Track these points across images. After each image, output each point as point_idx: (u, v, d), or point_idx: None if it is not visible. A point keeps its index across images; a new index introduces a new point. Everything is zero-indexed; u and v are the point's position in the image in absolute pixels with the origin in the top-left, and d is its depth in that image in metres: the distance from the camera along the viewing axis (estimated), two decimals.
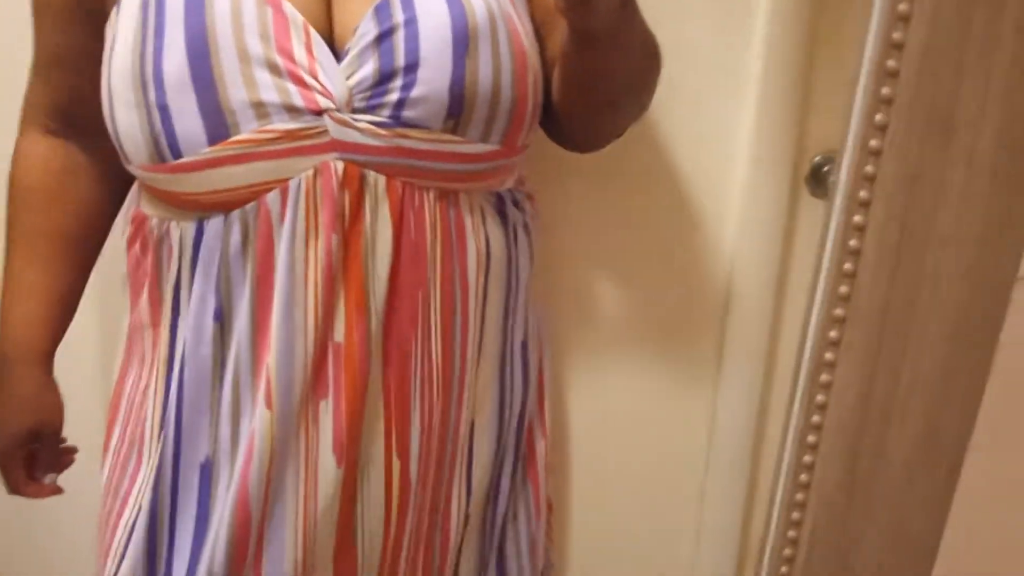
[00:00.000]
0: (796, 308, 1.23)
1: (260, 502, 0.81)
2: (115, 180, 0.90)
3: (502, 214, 0.91)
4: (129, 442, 0.88)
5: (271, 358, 0.79)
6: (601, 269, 1.24)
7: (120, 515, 0.86)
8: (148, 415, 0.86)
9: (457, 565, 1.01)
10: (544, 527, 1.14)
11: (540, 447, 1.07)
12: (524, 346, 0.99)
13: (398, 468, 0.87)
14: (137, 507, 0.84)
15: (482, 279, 0.88)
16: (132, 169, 0.80)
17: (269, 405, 0.80)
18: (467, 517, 0.99)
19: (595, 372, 1.28)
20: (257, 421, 0.80)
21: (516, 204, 0.94)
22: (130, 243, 0.87)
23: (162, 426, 0.84)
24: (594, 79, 0.79)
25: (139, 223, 0.85)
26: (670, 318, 1.26)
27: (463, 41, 0.76)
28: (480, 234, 0.87)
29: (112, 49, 0.77)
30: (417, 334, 0.84)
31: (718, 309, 1.24)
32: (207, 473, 0.83)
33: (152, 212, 0.84)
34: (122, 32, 0.76)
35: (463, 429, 0.93)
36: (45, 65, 0.89)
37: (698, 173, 1.18)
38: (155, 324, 0.85)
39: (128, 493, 0.86)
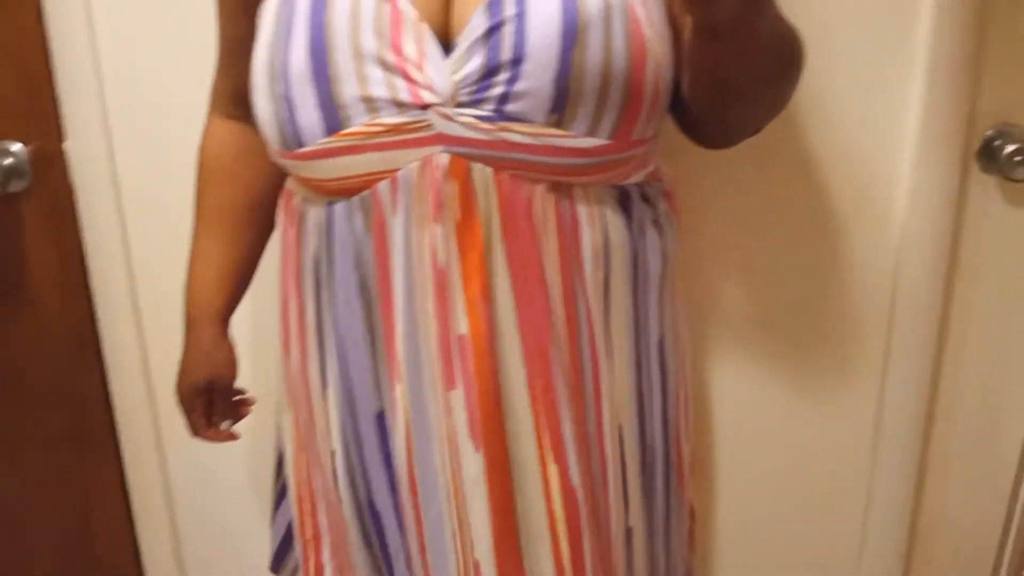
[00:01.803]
0: (967, 293, 1.15)
1: (405, 467, 0.85)
2: None
3: (626, 209, 0.87)
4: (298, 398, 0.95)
5: (399, 345, 0.83)
6: (756, 262, 1.18)
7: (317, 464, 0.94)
8: (309, 378, 0.91)
9: None
10: (687, 536, 1.09)
11: (685, 450, 1.01)
12: (661, 345, 0.93)
13: (557, 477, 0.85)
14: (330, 452, 0.91)
15: (600, 273, 0.86)
16: (271, 154, 0.85)
17: (401, 378, 0.84)
18: (629, 531, 0.94)
19: (749, 372, 1.23)
20: (397, 394, 0.84)
21: (646, 199, 0.89)
22: (280, 214, 0.94)
23: (324, 386, 0.89)
24: (721, 73, 0.76)
25: (287, 198, 0.92)
26: (832, 309, 1.19)
27: (571, 34, 0.75)
28: (596, 227, 0.84)
29: (257, 42, 0.82)
30: (549, 332, 0.84)
31: (885, 294, 1.17)
32: (383, 423, 0.87)
33: (295, 190, 0.90)
34: (263, 26, 0.82)
35: (608, 436, 0.89)
36: (223, 55, 0.97)
37: (863, 152, 1.12)
38: (299, 294, 0.91)
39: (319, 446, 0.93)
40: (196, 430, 1.03)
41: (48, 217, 1.23)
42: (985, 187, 1.13)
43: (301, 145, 0.80)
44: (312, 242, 0.87)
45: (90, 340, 1.28)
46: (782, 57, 0.79)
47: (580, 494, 0.86)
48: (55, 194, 1.22)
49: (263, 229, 1.02)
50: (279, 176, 0.97)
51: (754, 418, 1.25)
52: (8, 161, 1.18)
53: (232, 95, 0.96)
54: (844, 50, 1.07)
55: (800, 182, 1.14)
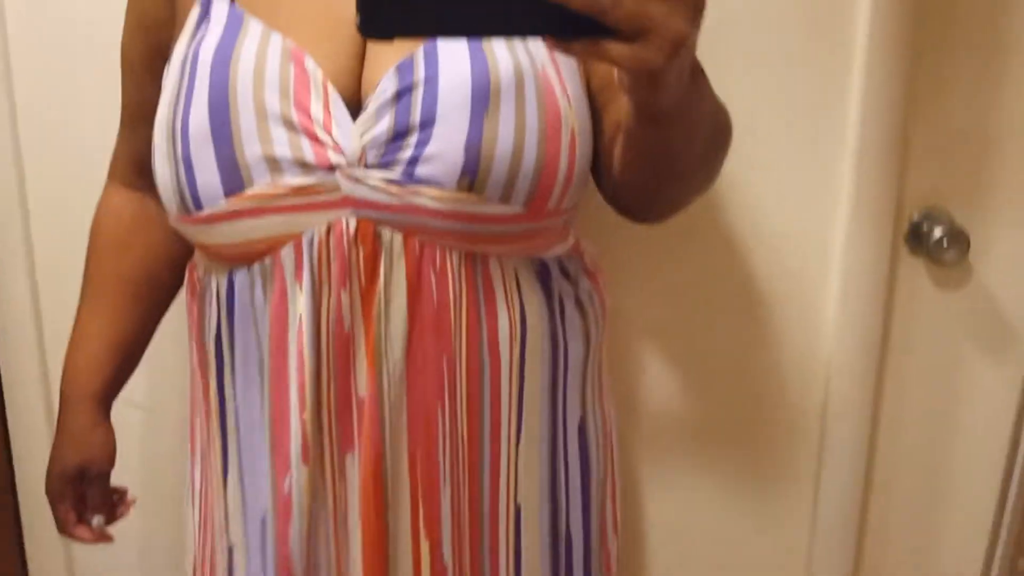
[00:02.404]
0: (899, 372, 1.16)
1: (302, 558, 0.82)
2: None
3: (544, 284, 0.85)
4: (204, 480, 0.91)
5: (307, 415, 0.79)
6: (686, 343, 1.17)
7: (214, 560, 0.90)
8: (212, 463, 0.88)
9: None
10: None
11: (612, 547, 0.98)
12: (582, 428, 0.91)
13: (427, 552, 0.83)
14: (227, 549, 0.88)
15: (517, 352, 0.83)
16: (171, 220, 0.82)
17: (306, 460, 0.80)
18: None
19: (679, 465, 1.21)
20: (294, 477, 0.80)
21: (566, 275, 0.88)
22: (184, 289, 0.91)
23: (224, 472, 0.86)
24: (660, 156, 0.74)
25: (190, 272, 0.89)
26: (765, 392, 1.19)
27: (483, 98, 0.74)
28: (514, 303, 0.82)
29: (160, 103, 0.80)
30: (444, 404, 0.82)
31: (819, 376, 1.18)
32: (264, 529, 0.84)
33: (198, 262, 0.87)
34: (166, 86, 0.80)
35: (503, 513, 0.87)
36: (125, 121, 0.94)
37: (795, 232, 1.13)
38: (203, 373, 0.87)
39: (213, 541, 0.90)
40: (63, 526, 0.95)
41: None
42: (914, 269, 1.14)
43: (200, 208, 0.76)
44: (213, 316, 0.83)
45: None
46: (717, 136, 0.78)
47: (450, 572, 0.84)
48: None
49: (153, 306, 0.98)
50: (174, 250, 0.95)
51: (685, 513, 1.23)
52: None
53: (133, 163, 0.93)
54: (775, 130, 1.08)
55: (731, 262, 1.14)
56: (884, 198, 1.10)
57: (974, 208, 1.12)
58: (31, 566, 1.26)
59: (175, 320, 1.00)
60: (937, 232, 1.09)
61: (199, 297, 0.86)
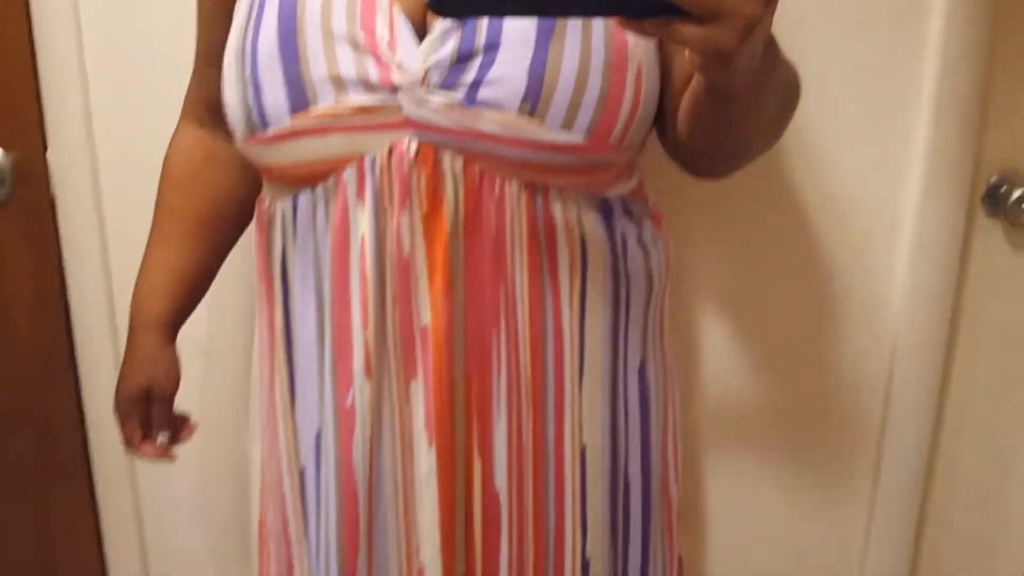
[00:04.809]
0: (970, 339, 1.13)
1: (365, 472, 0.83)
2: (254, 172, 0.93)
3: (607, 221, 0.85)
4: (270, 414, 0.94)
5: (369, 333, 0.80)
6: (751, 304, 1.15)
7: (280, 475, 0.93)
8: (277, 389, 0.90)
9: None
10: None
11: (673, 493, 0.96)
12: (642, 371, 0.90)
13: (479, 470, 0.84)
14: (299, 471, 0.90)
15: (578, 284, 0.84)
16: (239, 147, 0.84)
17: (369, 375, 0.81)
18: (586, 562, 0.90)
19: (738, 425, 1.19)
20: (358, 390, 0.82)
21: (629, 214, 0.87)
22: (253, 224, 0.92)
23: (292, 399, 0.88)
24: (727, 127, 0.75)
25: (259, 206, 0.90)
26: (830, 356, 1.16)
27: (549, 26, 0.74)
28: (575, 237, 0.82)
29: (230, 34, 0.82)
30: (500, 332, 0.82)
31: (887, 341, 1.15)
32: (319, 444, 0.86)
33: (265, 194, 0.89)
34: (236, 18, 0.82)
35: (569, 454, 0.87)
36: (199, 60, 0.95)
37: (867, 195, 1.10)
38: (270, 300, 0.89)
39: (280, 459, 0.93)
40: (130, 441, 0.99)
41: (25, 230, 1.20)
42: (991, 232, 1.11)
43: (266, 127, 0.78)
44: (278, 243, 0.86)
45: (65, 362, 1.24)
46: (786, 101, 0.78)
47: (503, 498, 0.85)
48: (34, 206, 1.18)
49: (219, 242, 1.00)
50: (241, 188, 0.97)
51: (742, 485, 1.22)
52: None
53: (205, 102, 0.95)
54: (849, 91, 1.06)
55: (801, 224, 1.11)
56: (961, 158, 1.06)
57: None
58: (98, 492, 1.30)
59: (237, 266, 1.02)
60: (1016, 193, 1.06)
61: (266, 228, 0.87)
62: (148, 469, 1.27)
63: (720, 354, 1.16)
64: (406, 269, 0.79)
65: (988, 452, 1.19)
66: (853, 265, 1.12)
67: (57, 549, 1.33)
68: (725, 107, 0.70)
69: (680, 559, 1.07)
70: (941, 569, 1.23)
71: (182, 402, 1.00)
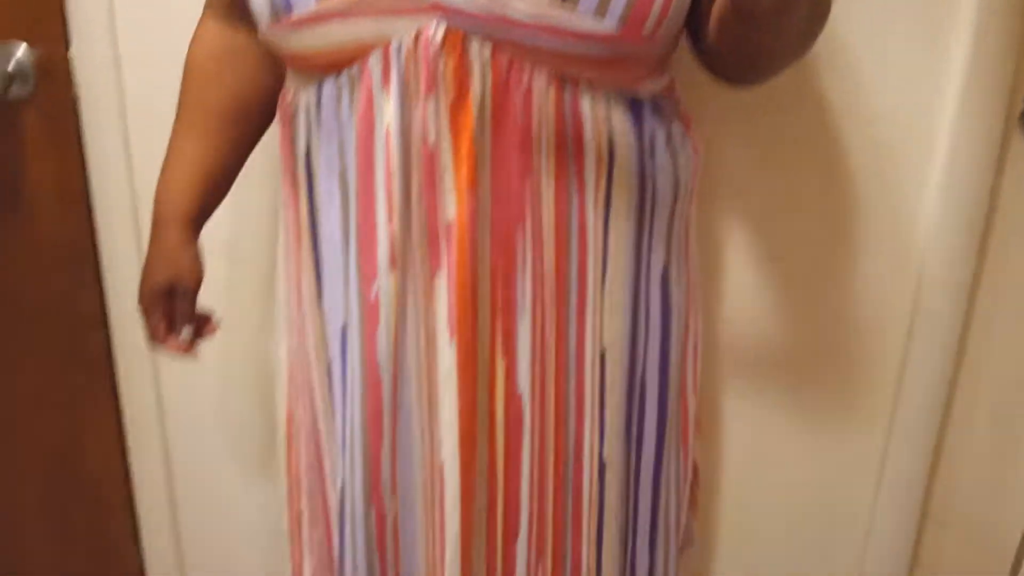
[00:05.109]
0: (997, 266, 1.11)
1: (390, 366, 0.84)
2: (277, 67, 0.93)
3: (636, 119, 0.83)
4: (297, 310, 0.94)
5: (395, 226, 0.80)
6: (777, 211, 1.14)
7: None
8: (304, 284, 0.91)
9: (600, 524, 0.94)
10: (688, 494, 1.05)
11: (691, 401, 0.97)
12: (664, 277, 0.90)
13: (503, 372, 0.85)
14: (327, 363, 0.91)
15: (603, 184, 0.83)
16: (262, 36, 0.82)
17: (393, 268, 0.81)
18: (603, 465, 0.91)
19: (760, 341, 1.19)
20: (382, 283, 0.82)
21: (659, 114, 0.86)
22: (279, 123, 0.91)
23: (319, 292, 0.89)
24: (756, 44, 0.75)
25: (282, 100, 0.89)
26: (855, 272, 1.15)
27: None
28: (603, 133, 0.81)
29: None
30: (525, 228, 0.82)
31: (913, 258, 1.13)
32: (345, 338, 0.86)
33: (289, 85, 0.87)
34: None
35: (589, 357, 0.88)
36: None
37: (900, 107, 1.08)
38: (295, 195, 0.89)
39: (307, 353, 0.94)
40: (154, 335, 0.99)
41: (49, 127, 1.19)
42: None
43: (290, 11, 0.77)
44: (302, 135, 0.85)
45: (88, 256, 1.25)
46: (815, 18, 0.76)
47: (526, 401, 0.86)
48: (58, 103, 1.18)
49: (242, 136, 0.99)
50: (263, 82, 0.96)
51: (759, 411, 1.22)
52: (11, 66, 1.14)
53: None
54: (886, 17, 1.02)
55: (831, 139, 1.09)
56: (999, 76, 1.03)
57: None
58: (122, 391, 1.32)
59: (258, 170, 1.02)
60: None
61: (289, 122, 0.87)
62: (171, 370, 1.29)
63: (742, 268, 1.15)
64: (432, 161, 0.79)
65: (1011, 381, 1.19)
66: (883, 183, 1.10)
67: (81, 448, 1.36)
68: (750, 24, 0.69)
69: (696, 467, 1.09)
70: (957, 495, 1.24)
71: (205, 305, 1.01)
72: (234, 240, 1.20)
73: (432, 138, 0.78)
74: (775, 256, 1.15)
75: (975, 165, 1.07)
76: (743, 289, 1.16)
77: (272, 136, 0.96)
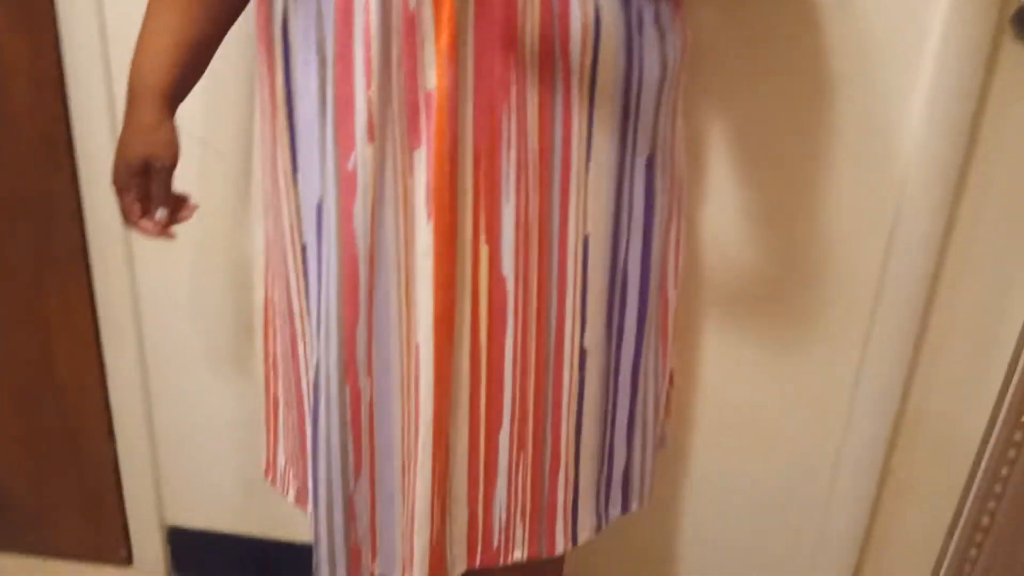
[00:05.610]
0: (981, 177, 1.10)
1: (367, 241, 0.82)
2: None
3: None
4: (273, 191, 0.93)
5: (372, 93, 0.78)
6: (758, 114, 1.12)
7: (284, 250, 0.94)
8: (280, 162, 0.89)
9: (580, 415, 0.94)
10: (663, 396, 1.06)
11: (671, 295, 0.97)
12: (650, 166, 0.89)
13: (486, 256, 0.84)
14: (301, 247, 0.90)
15: (589, 60, 0.81)
16: None
17: (371, 139, 0.80)
18: (583, 352, 0.90)
19: (737, 251, 1.18)
20: (360, 154, 0.80)
21: None
22: None
23: (295, 168, 0.87)
24: None
25: None
26: (839, 176, 1.14)
27: None
28: (589, 10, 0.79)
29: None
30: (510, 107, 0.80)
31: (897, 161, 1.12)
32: (320, 214, 0.85)
33: None
34: None
35: (572, 243, 0.87)
36: None
37: (891, 7, 1.05)
38: (271, 69, 0.87)
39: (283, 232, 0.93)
40: (128, 215, 0.96)
41: (22, 11, 1.15)
42: (1018, 57, 1.06)
43: None
44: (279, 1, 0.82)
45: (62, 142, 1.22)
46: None
47: (510, 285, 0.85)
48: None
49: (220, 10, 0.94)
50: None
51: (734, 335, 1.22)
52: None
53: None
54: None
55: (814, 31, 1.07)
56: None
57: None
58: (96, 281, 1.30)
59: (233, 62, 0.99)
60: None
61: None
62: (146, 260, 1.27)
63: (723, 177, 1.14)
64: (412, 26, 0.76)
65: (988, 294, 1.19)
66: (869, 85, 1.08)
67: (55, 340, 1.35)
68: None
69: (672, 375, 1.09)
70: (930, 408, 1.25)
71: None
72: (209, 131, 1.18)
73: (413, 2, 0.75)
74: (756, 163, 1.14)
75: (964, 67, 1.05)
76: (723, 199, 1.15)
77: (248, 19, 0.93)
